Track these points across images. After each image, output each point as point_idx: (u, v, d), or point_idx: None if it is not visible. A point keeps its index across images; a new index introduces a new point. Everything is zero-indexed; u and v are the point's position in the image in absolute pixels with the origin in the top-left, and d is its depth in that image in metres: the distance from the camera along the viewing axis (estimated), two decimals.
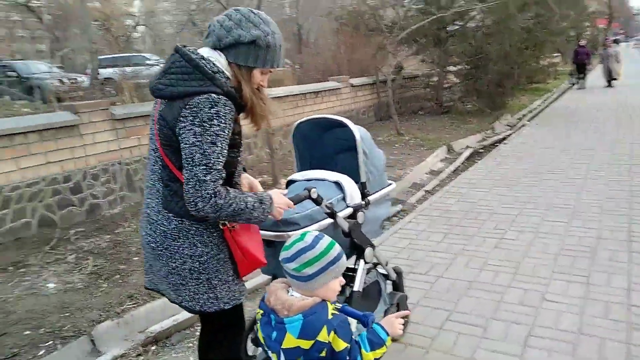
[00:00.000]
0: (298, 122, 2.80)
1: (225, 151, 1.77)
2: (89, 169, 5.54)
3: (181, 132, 1.71)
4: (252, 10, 1.90)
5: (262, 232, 2.27)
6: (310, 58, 13.97)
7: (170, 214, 1.83)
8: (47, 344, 2.98)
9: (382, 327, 1.72)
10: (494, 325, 3.05)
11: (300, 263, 1.62)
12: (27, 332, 3.11)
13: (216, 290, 1.88)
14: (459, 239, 4.52)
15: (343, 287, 2.68)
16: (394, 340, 2.80)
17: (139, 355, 2.93)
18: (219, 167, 1.73)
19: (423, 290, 3.58)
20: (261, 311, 1.72)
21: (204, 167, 1.69)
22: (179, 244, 1.82)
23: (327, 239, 1.68)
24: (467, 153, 8.30)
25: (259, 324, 1.71)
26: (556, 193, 5.67)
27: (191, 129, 1.70)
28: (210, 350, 2.08)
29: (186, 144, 1.70)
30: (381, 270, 2.88)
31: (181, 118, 1.71)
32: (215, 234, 1.85)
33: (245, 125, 1.96)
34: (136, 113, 6.05)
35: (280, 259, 1.66)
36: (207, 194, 1.69)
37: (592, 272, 3.64)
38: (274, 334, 1.61)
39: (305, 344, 1.56)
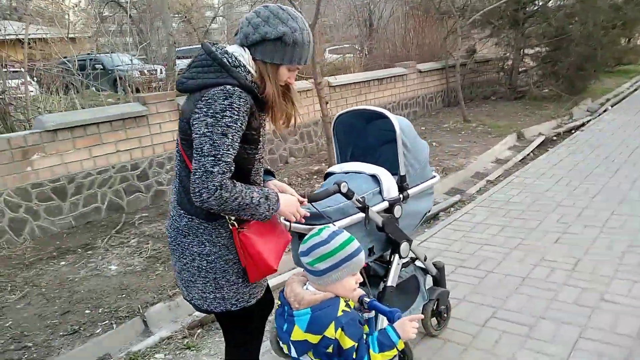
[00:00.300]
0: (339, 113, 2.80)
1: (237, 144, 1.73)
2: (155, 157, 5.87)
3: (194, 122, 1.70)
4: (281, 6, 1.90)
5: (294, 225, 2.32)
6: (379, 44, 13.78)
7: (182, 211, 1.84)
8: (104, 322, 3.23)
9: (395, 330, 1.68)
10: (543, 325, 2.90)
11: (314, 257, 1.64)
12: (88, 311, 3.39)
13: (223, 290, 1.86)
14: (517, 232, 4.32)
15: (378, 281, 2.73)
16: (432, 335, 2.80)
17: (185, 337, 3.10)
18: (228, 160, 1.69)
19: (471, 285, 3.48)
20: (279, 302, 1.77)
21: (212, 158, 1.66)
22: (188, 240, 1.84)
23: (344, 236, 1.68)
24: (538, 141, 7.86)
25: (274, 315, 1.76)
26: (632, 185, 5.24)
27: (203, 120, 1.68)
28: (228, 352, 2.10)
29: (197, 134, 1.68)
30: (420, 264, 2.83)
31: (196, 110, 1.71)
32: (224, 234, 1.83)
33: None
34: None
35: (298, 252, 1.69)
36: (213, 185, 1.65)
37: None
38: (285, 326, 1.64)
39: (313, 339, 1.58)
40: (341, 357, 1.58)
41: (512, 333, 2.86)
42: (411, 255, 2.67)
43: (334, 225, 2.22)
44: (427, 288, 2.84)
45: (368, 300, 1.82)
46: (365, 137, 2.89)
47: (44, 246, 4.68)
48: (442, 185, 6.01)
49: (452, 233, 4.48)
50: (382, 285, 2.52)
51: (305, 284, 1.72)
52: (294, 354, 1.62)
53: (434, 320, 2.92)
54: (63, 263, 4.26)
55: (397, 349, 1.67)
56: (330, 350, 1.57)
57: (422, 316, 1.84)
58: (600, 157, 6.49)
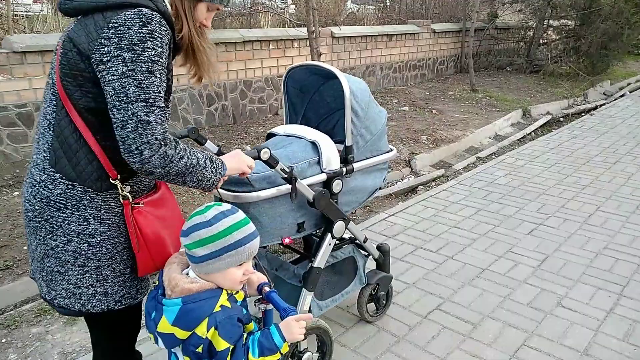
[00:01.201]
0: (290, 67, 2.47)
1: (164, 84, 1.38)
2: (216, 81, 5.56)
3: (104, 59, 1.32)
4: None
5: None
6: None
7: (58, 174, 1.42)
8: None
9: (279, 331, 1.45)
10: (487, 325, 2.68)
11: (193, 240, 1.37)
12: (25, 248, 3.21)
13: (106, 283, 1.48)
14: (491, 217, 4.05)
15: (304, 259, 2.50)
16: (367, 321, 2.58)
17: None
18: (162, 105, 1.35)
19: (424, 270, 3.24)
20: (155, 282, 1.52)
21: (144, 103, 1.31)
22: (64, 215, 1.42)
23: (234, 218, 1.39)
24: (543, 120, 7.44)
25: (146, 297, 1.51)
26: (627, 181, 4.89)
27: (118, 55, 1.31)
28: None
29: (114, 74, 1.31)
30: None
31: (102, 40, 1.32)
32: (117, 209, 1.46)
33: (184, 74, 1.63)
34: None
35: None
36: (155, 139, 1.32)
37: (632, 281, 3.08)
38: (154, 314, 1.40)
39: (181, 334, 1.34)
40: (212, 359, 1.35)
41: (452, 330, 2.65)
42: (347, 235, 2.42)
43: (243, 198, 1.97)
44: (366, 271, 2.60)
45: (268, 290, 1.58)
46: (319, 99, 2.58)
47: (3, 173, 4.48)
48: (430, 157, 5.71)
49: (423, 210, 4.21)
50: (309, 265, 2.29)
51: (187, 268, 1.46)
52: (161, 344, 1.39)
53: (371, 306, 2.71)
54: (16, 193, 4.06)
55: (281, 353, 1.45)
56: (199, 350, 1.34)
57: (311, 316, 1.58)
58: (601, 146, 6.09)
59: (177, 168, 1.39)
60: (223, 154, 1.85)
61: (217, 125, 6.31)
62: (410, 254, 3.46)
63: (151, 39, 1.33)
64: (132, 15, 1.33)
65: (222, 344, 1.33)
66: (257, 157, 1.87)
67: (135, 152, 1.32)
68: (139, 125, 1.31)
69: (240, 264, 1.40)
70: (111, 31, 1.32)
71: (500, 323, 2.69)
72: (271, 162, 1.92)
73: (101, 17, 1.35)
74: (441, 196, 4.53)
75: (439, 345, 2.52)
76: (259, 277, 1.64)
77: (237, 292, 1.48)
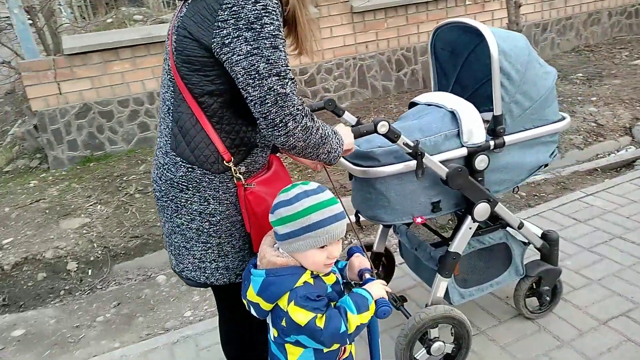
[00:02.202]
0: (437, 26, 2.22)
1: (287, 56, 1.36)
2: (324, 62, 5.79)
3: (226, 41, 1.31)
4: None
5: (341, 160, 2.01)
6: None
7: (179, 158, 1.48)
8: None
9: (365, 289, 1.42)
10: None
11: (276, 218, 1.36)
12: None
13: (227, 258, 1.54)
14: None
15: (439, 245, 2.26)
16: (526, 317, 2.24)
17: None
18: (292, 77, 1.36)
19: (618, 265, 2.64)
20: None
21: (277, 77, 1.31)
22: (187, 196, 1.49)
23: (316, 198, 1.33)
24: None
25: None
26: None
27: (239, 35, 1.30)
28: (230, 343, 1.79)
29: (239, 54, 1.30)
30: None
31: (218, 24, 1.32)
32: (233, 190, 1.49)
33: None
34: (377, 5, 5.85)
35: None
36: (297, 109, 1.33)
37: None
38: (245, 281, 1.45)
39: (265, 305, 1.36)
40: (301, 335, 1.34)
41: (637, 344, 2.11)
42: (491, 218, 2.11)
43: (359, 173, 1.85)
44: (525, 262, 2.24)
45: (368, 277, 1.51)
46: (475, 60, 2.26)
47: None
48: None
49: (635, 190, 3.42)
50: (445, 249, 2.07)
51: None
52: (253, 312, 1.43)
53: (532, 301, 2.34)
54: None
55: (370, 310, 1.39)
56: (284, 323, 1.34)
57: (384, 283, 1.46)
58: None
59: (315, 139, 1.40)
60: (362, 124, 1.81)
61: (405, 91, 6.16)
62: (603, 243, 2.86)
63: (266, 14, 1.31)
64: None
65: (303, 318, 1.30)
66: (374, 131, 1.73)
67: (280, 125, 1.33)
68: (278, 98, 1.32)
69: (323, 247, 1.33)
70: (225, 12, 1.31)
71: None
72: (391, 136, 1.75)
73: (213, 0, 1.34)
74: None
75: None
76: (361, 262, 1.55)
77: (329, 274, 1.43)
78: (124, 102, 5.02)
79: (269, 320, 1.45)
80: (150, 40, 4.89)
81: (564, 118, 2.16)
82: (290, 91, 1.33)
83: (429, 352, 2.03)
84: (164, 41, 1.64)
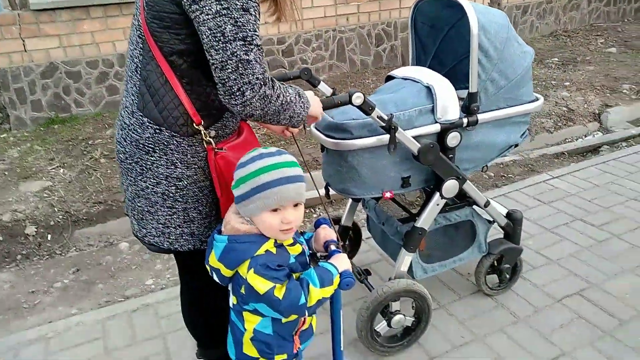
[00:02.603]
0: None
1: (259, 22, 1.31)
2: (303, 33, 5.68)
3: None
4: None
5: (314, 130, 1.99)
6: None
7: (146, 119, 1.42)
8: None
9: (331, 264, 1.40)
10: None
11: (234, 180, 1.34)
12: None
13: (193, 224, 1.51)
14: None
15: (406, 220, 2.27)
16: (485, 294, 2.26)
17: None
18: (259, 43, 1.30)
19: (577, 247, 2.72)
20: None
21: (242, 42, 1.25)
22: (153, 159, 1.44)
23: (267, 161, 1.31)
24: None
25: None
26: None
27: None
28: (191, 311, 1.79)
29: (208, 14, 1.25)
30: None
31: None
32: (202, 154, 1.45)
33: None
34: None
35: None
36: (256, 78, 1.27)
37: None
38: (209, 248, 1.42)
39: (226, 272, 1.34)
40: (260, 303, 1.32)
41: (589, 322, 2.18)
42: (458, 195, 2.12)
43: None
44: (488, 240, 2.28)
45: (333, 248, 1.49)
46: (455, 36, 2.23)
47: None
48: (629, 111, 4.70)
49: (598, 175, 3.50)
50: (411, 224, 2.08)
51: None
52: (215, 278, 1.41)
53: (492, 278, 2.38)
54: None
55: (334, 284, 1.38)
56: (243, 290, 1.33)
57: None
58: None
59: (274, 107, 1.36)
60: (337, 95, 1.76)
61: (383, 66, 6.12)
62: (564, 225, 2.93)
63: None
64: None
65: (262, 286, 1.28)
66: (349, 102, 1.69)
67: (237, 93, 1.28)
68: (240, 65, 1.27)
69: (275, 210, 1.30)
70: None
71: None
72: (365, 108, 1.72)
73: None
74: (628, 160, 3.69)
75: (565, 337, 2.11)
76: (327, 234, 1.54)
77: (294, 244, 1.41)
78: (92, 63, 4.83)
79: (230, 287, 1.43)
80: (123, 0, 4.69)
81: (537, 99, 2.17)
82: (254, 58, 1.28)
83: (389, 325, 2.05)
84: None
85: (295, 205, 1.34)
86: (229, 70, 1.26)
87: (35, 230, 3.16)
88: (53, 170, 3.74)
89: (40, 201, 3.34)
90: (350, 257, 2.62)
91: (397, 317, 2.04)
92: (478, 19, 1.88)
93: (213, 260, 1.36)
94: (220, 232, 1.39)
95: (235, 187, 1.33)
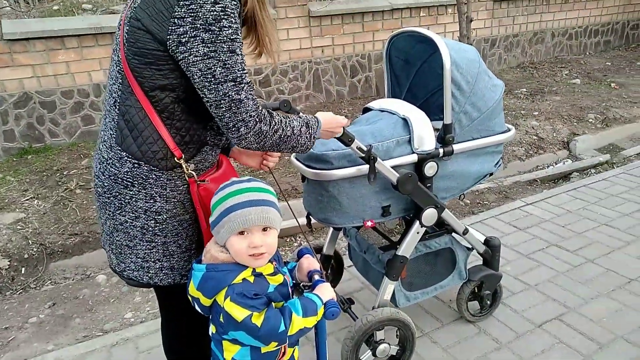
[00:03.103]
0: (392, 34, 2.26)
1: (244, 59, 1.38)
2: (280, 64, 5.77)
3: (182, 40, 1.29)
4: None
5: (293, 159, 2.02)
6: None
7: (124, 153, 1.43)
8: None
9: (316, 295, 1.42)
10: (619, 348, 2.19)
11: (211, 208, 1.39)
12: None
13: (173, 258, 1.50)
14: None
15: (387, 248, 2.30)
16: (468, 320, 2.28)
17: None
18: (249, 80, 1.36)
19: (553, 272, 2.79)
20: None
21: (232, 83, 1.31)
22: (132, 193, 1.44)
23: (235, 187, 1.35)
24: None
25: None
26: None
27: (196, 36, 1.28)
28: (172, 345, 1.75)
29: (196, 56, 1.29)
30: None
31: (175, 20, 1.28)
32: (181, 188, 1.46)
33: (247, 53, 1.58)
34: (334, 11, 5.89)
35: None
36: (250, 116, 1.34)
37: None
38: (189, 278, 1.42)
39: (204, 301, 1.35)
40: (239, 331, 1.31)
41: (569, 347, 2.22)
42: (437, 224, 2.17)
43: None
44: (468, 267, 2.32)
45: (317, 278, 1.50)
46: (428, 70, 2.32)
47: None
48: (596, 139, 4.89)
49: (570, 201, 3.62)
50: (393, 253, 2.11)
51: None
52: (197, 308, 1.40)
53: (474, 305, 2.42)
54: None
55: (318, 314, 1.39)
56: (222, 319, 1.33)
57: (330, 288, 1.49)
58: None
59: (271, 141, 1.42)
60: None
61: (359, 97, 6.25)
62: (540, 250, 3.00)
63: (225, 17, 1.30)
64: None
65: (239, 314, 1.29)
66: None
67: (233, 129, 1.36)
68: (232, 104, 1.33)
69: (241, 234, 1.32)
70: (183, 10, 1.28)
71: (638, 349, 2.19)
72: (345, 140, 1.77)
73: None
74: (598, 186, 3.83)
75: None
76: (310, 264, 1.55)
77: (275, 274, 1.41)
78: (67, 93, 4.79)
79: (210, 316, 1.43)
80: (99, 30, 4.69)
81: (509, 130, 2.25)
82: (245, 97, 1.34)
83: (374, 354, 2.05)
84: (113, 32, 1.59)
85: (265, 229, 1.35)
86: (223, 109, 1.34)
87: (9, 263, 3.07)
88: (27, 201, 3.65)
89: (13, 233, 3.25)
90: (333, 285, 2.63)
91: (382, 346, 2.04)
92: (450, 55, 1.97)
93: (192, 289, 1.37)
94: (200, 262, 1.40)
95: (211, 215, 1.37)
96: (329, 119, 1.64)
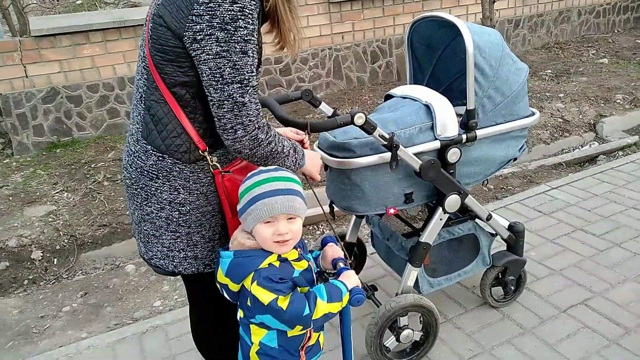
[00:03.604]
0: (414, 19, 2.24)
1: (257, 61, 1.42)
2: (300, 52, 5.75)
3: (197, 37, 1.31)
4: None
5: (316, 149, 2.03)
6: None
7: (149, 147, 1.47)
8: None
9: (341, 281, 1.45)
10: None
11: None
12: None
13: (196, 248, 1.54)
14: None
15: (410, 235, 2.31)
16: (492, 306, 2.29)
17: None
18: (255, 84, 1.38)
19: (579, 256, 2.75)
20: None
21: (239, 85, 1.33)
22: (157, 185, 1.48)
23: (261, 176, 1.39)
24: None
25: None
26: None
27: (211, 34, 1.30)
28: (200, 332, 1.81)
29: (208, 54, 1.31)
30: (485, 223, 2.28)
31: (193, 17, 1.30)
32: (204, 180, 1.50)
33: (269, 43, 1.59)
34: None
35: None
36: (250, 120, 1.36)
37: None
38: (216, 266, 1.46)
39: (233, 286, 1.39)
40: (266, 314, 1.35)
41: (595, 331, 2.21)
42: (461, 210, 2.16)
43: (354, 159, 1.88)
44: (492, 252, 2.31)
45: (342, 266, 1.53)
46: (451, 55, 2.29)
47: None
48: (623, 120, 4.77)
49: (596, 185, 3.55)
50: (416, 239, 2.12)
51: None
52: (225, 295, 1.45)
53: (497, 290, 2.41)
54: None
55: (343, 301, 1.42)
56: (249, 303, 1.37)
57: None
58: None
59: (263, 152, 1.42)
60: (338, 115, 1.85)
61: (380, 83, 6.20)
62: (565, 235, 2.97)
63: (242, 17, 1.31)
64: None
65: (265, 297, 1.32)
66: (351, 122, 1.75)
67: (230, 130, 1.36)
68: (235, 106, 1.35)
69: (268, 222, 1.36)
70: (202, 7, 1.30)
71: None
72: (367, 128, 1.77)
73: None
74: (626, 169, 3.75)
75: (572, 347, 2.14)
76: (335, 252, 1.58)
77: (300, 260, 1.44)
78: (93, 87, 4.89)
79: (238, 302, 1.46)
80: (122, 24, 4.76)
81: (533, 113, 2.22)
82: (249, 100, 1.35)
83: (398, 340, 2.07)
84: (136, 26, 1.63)
85: (290, 218, 1.38)
86: (225, 110, 1.35)
87: (42, 254, 3.18)
88: (57, 194, 3.77)
89: (45, 226, 3.36)
90: (356, 273, 2.66)
91: (405, 332, 2.06)
92: (473, 39, 1.94)
93: (221, 276, 1.40)
94: (227, 250, 1.44)
95: (238, 204, 1.41)
96: (314, 160, 1.63)
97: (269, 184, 1.36)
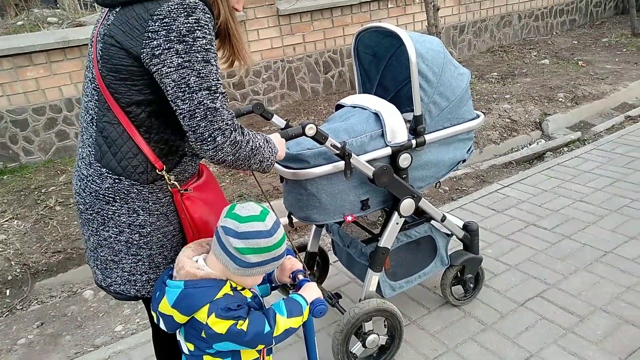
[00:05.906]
0: (359, 30, 2.30)
1: (219, 70, 1.37)
2: (252, 65, 5.76)
3: (156, 52, 1.29)
4: None
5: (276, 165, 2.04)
6: None
7: (104, 169, 1.43)
8: None
9: (300, 295, 1.46)
10: (598, 320, 2.28)
11: (250, 246, 1.33)
12: None
13: (159, 270, 1.51)
14: (629, 190, 3.40)
15: (370, 241, 2.36)
16: (453, 305, 2.32)
17: None
18: (223, 91, 1.36)
19: (533, 250, 2.86)
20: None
21: (207, 91, 1.31)
22: (114, 208, 1.44)
23: (282, 229, 1.41)
24: None
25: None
26: None
27: (170, 47, 1.28)
28: (165, 355, 1.77)
29: (170, 67, 1.29)
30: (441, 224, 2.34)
31: (149, 34, 1.29)
32: (163, 200, 1.47)
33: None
34: (303, 8, 5.91)
35: (223, 225, 1.36)
36: (226, 124, 1.33)
37: None
38: (158, 293, 1.40)
39: (180, 318, 1.33)
40: (224, 342, 1.33)
41: (552, 322, 2.30)
42: (414, 213, 2.22)
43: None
44: (450, 252, 2.38)
45: (301, 278, 1.54)
46: (397, 64, 2.36)
47: None
48: (566, 117, 5.00)
49: (545, 180, 3.71)
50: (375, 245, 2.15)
51: (199, 255, 1.43)
52: (162, 326, 1.38)
53: (458, 289, 2.48)
54: None
55: (304, 316, 1.43)
56: (203, 335, 1.33)
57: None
58: None
59: (245, 152, 1.40)
60: (290, 127, 1.86)
61: (334, 92, 6.28)
62: (518, 231, 3.08)
63: (199, 28, 1.30)
64: (176, 6, 1.29)
65: (224, 327, 1.30)
66: (302, 133, 1.76)
67: (209, 139, 1.33)
68: (208, 112, 1.32)
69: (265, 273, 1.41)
70: (157, 24, 1.29)
71: (616, 319, 2.27)
72: (319, 138, 1.80)
73: (142, 9, 1.32)
74: (571, 164, 3.93)
75: (531, 338, 2.22)
76: (293, 264, 1.58)
77: (244, 289, 1.43)
78: (39, 110, 4.73)
79: (179, 335, 1.42)
80: (66, 44, 4.63)
81: (478, 116, 2.30)
82: (221, 105, 1.33)
83: (364, 345, 2.10)
84: (81, 45, 1.59)
85: None
86: (198, 118, 1.31)
87: None
88: (6, 222, 3.61)
89: None
90: (320, 282, 2.68)
91: (371, 337, 2.09)
92: (415, 48, 2.01)
93: (165, 306, 1.34)
94: (172, 277, 1.39)
95: (254, 254, 1.33)
96: (281, 144, 1.64)
97: (286, 242, 1.43)
